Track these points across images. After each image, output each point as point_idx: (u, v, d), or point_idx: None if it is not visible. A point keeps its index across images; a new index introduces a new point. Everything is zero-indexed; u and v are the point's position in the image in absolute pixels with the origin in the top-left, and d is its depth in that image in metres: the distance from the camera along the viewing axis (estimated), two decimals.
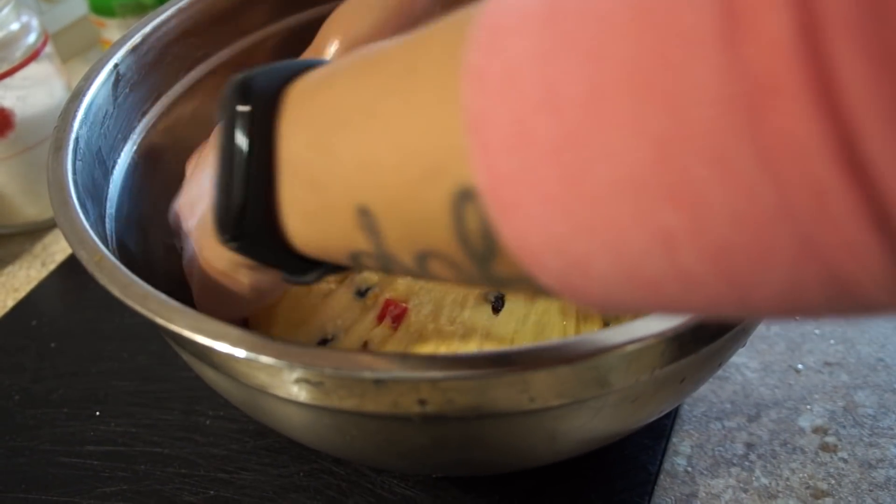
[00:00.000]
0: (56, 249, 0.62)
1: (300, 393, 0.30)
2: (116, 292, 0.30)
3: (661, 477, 0.44)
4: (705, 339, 0.31)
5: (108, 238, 0.38)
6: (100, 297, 0.55)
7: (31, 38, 0.58)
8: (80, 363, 0.51)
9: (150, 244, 0.42)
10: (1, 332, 0.53)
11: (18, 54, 0.57)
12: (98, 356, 0.51)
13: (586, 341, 0.27)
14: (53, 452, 0.46)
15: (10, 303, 0.56)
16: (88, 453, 0.45)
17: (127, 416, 0.47)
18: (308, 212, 0.26)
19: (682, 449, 0.45)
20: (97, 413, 0.48)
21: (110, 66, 0.42)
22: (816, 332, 0.51)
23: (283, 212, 0.27)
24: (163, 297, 0.30)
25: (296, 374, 0.28)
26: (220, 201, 0.27)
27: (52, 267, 0.60)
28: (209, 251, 0.32)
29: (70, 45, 0.77)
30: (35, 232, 0.63)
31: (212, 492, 0.43)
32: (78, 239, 0.32)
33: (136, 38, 0.44)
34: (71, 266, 0.59)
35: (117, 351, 0.51)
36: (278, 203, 0.27)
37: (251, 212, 0.26)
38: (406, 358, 0.28)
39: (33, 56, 0.58)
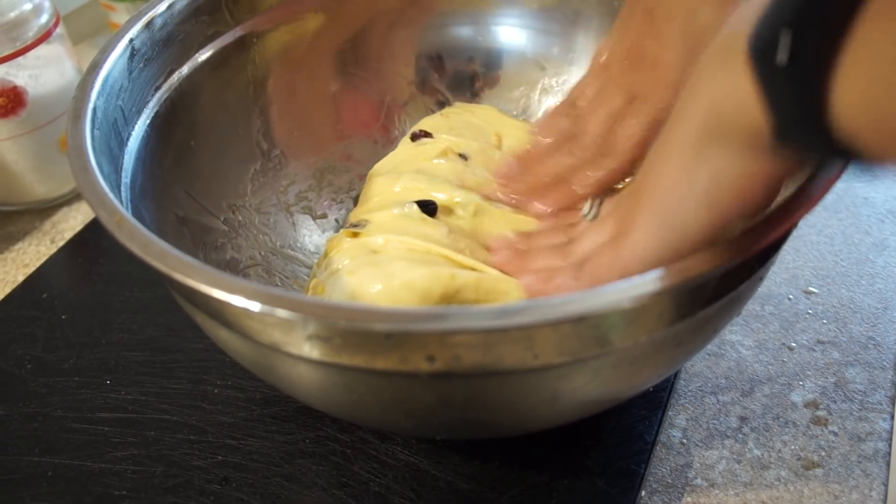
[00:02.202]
0: (65, 227, 0.63)
1: (312, 350, 0.31)
2: (136, 250, 0.31)
3: (657, 448, 0.45)
4: (700, 303, 0.32)
5: (125, 206, 0.39)
6: (109, 272, 0.56)
7: (43, 18, 0.59)
8: (90, 334, 0.52)
9: (162, 214, 0.44)
10: (12, 305, 0.54)
11: (31, 34, 0.59)
12: (108, 328, 0.52)
13: (589, 296, 0.28)
14: (65, 418, 0.47)
15: (21, 278, 0.58)
16: (100, 420, 0.46)
17: (137, 384, 0.48)
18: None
19: (678, 422, 0.46)
20: (108, 382, 0.49)
21: (125, 40, 0.43)
22: (810, 311, 0.52)
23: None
24: (180, 254, 0.31)
25: (309, 328, 0.30)
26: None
27: (61, 243, 0.61)
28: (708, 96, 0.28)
29: (79, 29, 0.78)
30: (45, 209, 0.64)
31: (220, 457, 0.44)
32: (98, 200, 0.33)
33: (150, 15, 0.45)
34: (80, 242, 0.60)
35: (127, 323, 0.52)
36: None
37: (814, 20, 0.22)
38: (415, 312, 0.29)
39: (45, 36, 0.59)
